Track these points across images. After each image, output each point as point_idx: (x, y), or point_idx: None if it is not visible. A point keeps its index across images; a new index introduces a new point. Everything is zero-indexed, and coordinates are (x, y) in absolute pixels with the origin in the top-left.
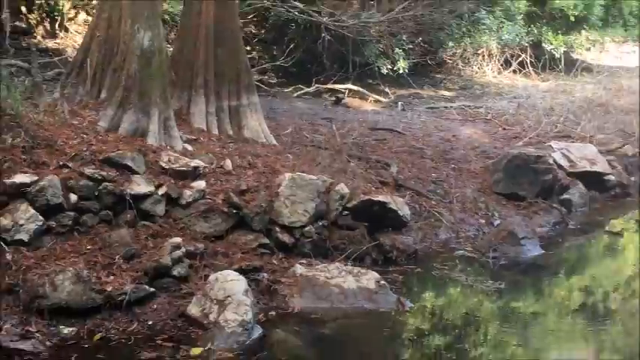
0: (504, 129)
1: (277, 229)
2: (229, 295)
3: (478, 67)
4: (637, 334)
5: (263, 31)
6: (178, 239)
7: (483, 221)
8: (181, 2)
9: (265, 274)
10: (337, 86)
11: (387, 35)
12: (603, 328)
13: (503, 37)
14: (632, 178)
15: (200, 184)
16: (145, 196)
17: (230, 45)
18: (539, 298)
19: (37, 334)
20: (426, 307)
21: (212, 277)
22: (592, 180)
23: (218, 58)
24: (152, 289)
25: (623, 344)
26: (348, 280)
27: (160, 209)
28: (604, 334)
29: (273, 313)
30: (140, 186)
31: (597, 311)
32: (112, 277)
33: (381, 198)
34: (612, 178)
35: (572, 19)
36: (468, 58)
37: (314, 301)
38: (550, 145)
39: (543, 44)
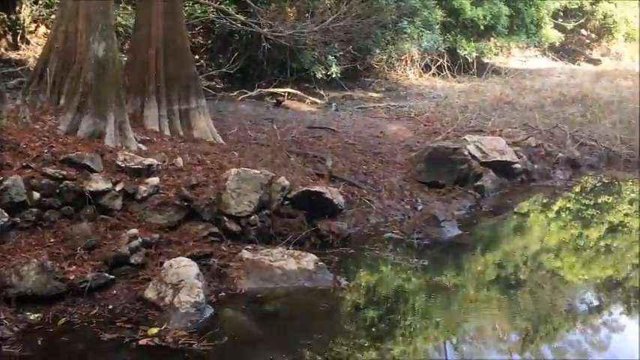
0: (425, 125)
1: (225, 218)
2: (183, 279)
3: (402, 71)
4: (544, 300)
5: (210, 42)
6: (135, 230)
7: (408, 207)
8: (133, 15)
9: (215, 260)
10: (277, 90)
11: (321, 44)
12: (515, 296)
13: (422, 45)
14: (535, 166)
15: (154, 180)
16: (103, 193)
17: (179, 54)
18: (459, 272)
19: (5, 321)
20: (360, 283)
21: (167, 263)
22: (502, 168)
23: (168, 66)
24: (112, 277)
25: (532, 309)
26: (290, 263)
27: (118, 204)
28: (515, 302)
29: (223, 294)
30: (98, 183)
31: (509, 282)
32: (74, 267)
33: (317, 189)
34: (519, 166)
35: (482, 27)
36: (393, 63)
37: (259, 282)
38: (465, 139)
39: (458, 50)
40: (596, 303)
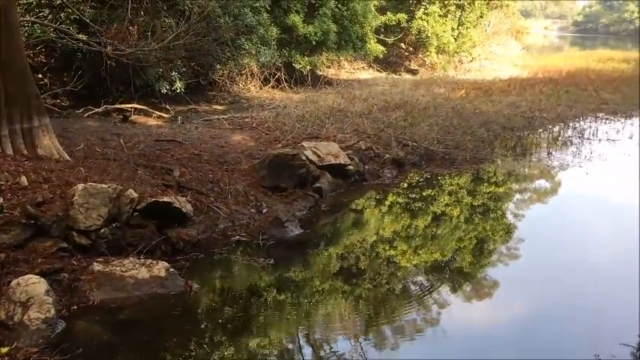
0: (267, 134)
1: (74, 233)
2: (31, 296)
3: (243, 85)
4: (382, 285)
5: (53, 60)
6: None
7: (254, 210)
8: None
9: (66, 274)
10: (124, 106)
11: (163, 61)
12: (357, 284)
13: (261, 60)
14: (366, 167)
15: None
16: None
17: (18, 74)
18: (304, 267)
19: None
20: (211, 286)
21: (14, 282)
22: (336, 170)
23: (7, 86)
24: None
25: (372, 295)
26: (142, 272)
27: None
28: (358, 289)
29: (76, 307)
30: None
31: (351, 272)
32: None
33: (165, 199)
34: (351, 168)
35: (314, 43)
36: (234, 78)
37: (112, 293)
38: (303, 145)
39: (293, 64)
40: (426, 284)
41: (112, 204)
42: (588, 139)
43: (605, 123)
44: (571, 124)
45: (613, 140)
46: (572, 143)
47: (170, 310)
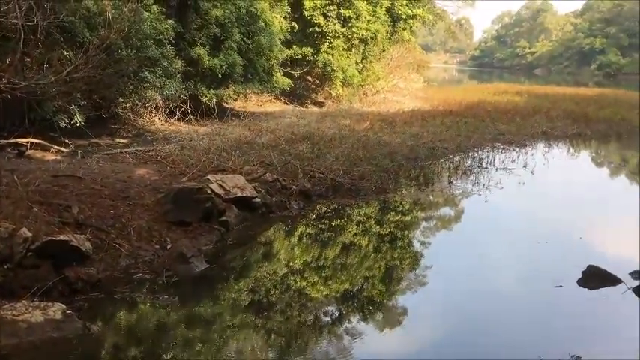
0: (171, 168)
1: None
2: None
3: (148, 118)
4: (294, 317)
5: None
6: None
7: (158, 246)
8: None
9: None
10: (19, 140)
11: (61, 94)
12: (267, 317)
13: (165, 92)
14: (273, 199)
15: None
16: None
17: None
18: (211, 303)
19: None
20: (111, 326)
21: None
22: (243, 203)
23: None
24: None
25: (284, 327)
26: (35, 315)
27: None
28: (268, 322)
29: None
30: None
31: (261, 305)
32: None
33: (62, 237)
34: (258, 200)
35: (220, 76)
36: (138, 111)
37: (3, 339)
38: (208, 178)
39: (199, 97)
40: (337, 314)
41: (4, 244)
42: (486, 168)
43: (501, 152)
44: (470, 154)
45: (509, 169)
46: (471, 172)
47: (66, 354)
